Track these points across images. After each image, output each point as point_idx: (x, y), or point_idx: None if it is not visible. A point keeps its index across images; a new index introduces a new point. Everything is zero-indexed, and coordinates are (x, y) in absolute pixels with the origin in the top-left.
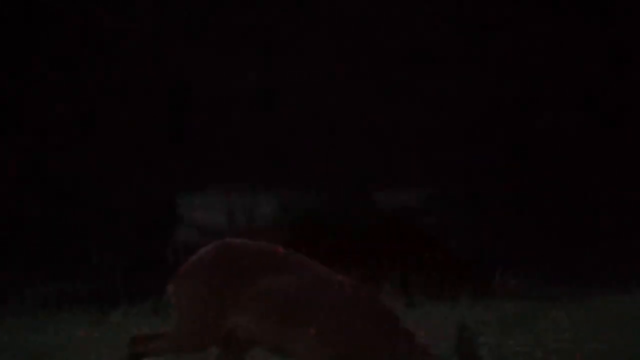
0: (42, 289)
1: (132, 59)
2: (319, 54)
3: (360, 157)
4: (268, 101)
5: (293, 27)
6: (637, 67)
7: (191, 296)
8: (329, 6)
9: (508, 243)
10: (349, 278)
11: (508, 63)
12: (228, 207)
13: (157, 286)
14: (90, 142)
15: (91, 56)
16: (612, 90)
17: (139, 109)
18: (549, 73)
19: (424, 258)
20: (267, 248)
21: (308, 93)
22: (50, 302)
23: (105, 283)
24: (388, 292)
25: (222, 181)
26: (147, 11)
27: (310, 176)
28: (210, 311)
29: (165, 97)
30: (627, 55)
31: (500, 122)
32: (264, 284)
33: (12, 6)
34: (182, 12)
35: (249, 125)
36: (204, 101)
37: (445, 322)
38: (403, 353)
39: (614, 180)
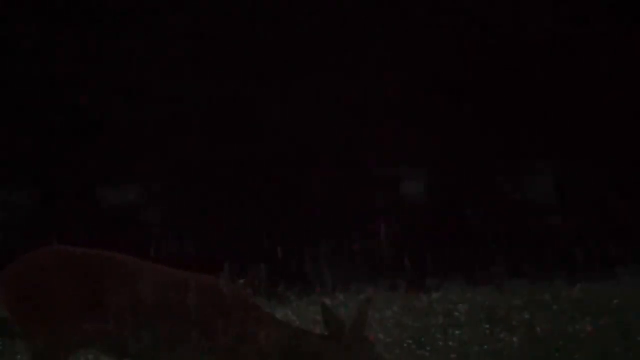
0: None
1: None
2: None
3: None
4: None
5: None
6: None
7: (27, 305)
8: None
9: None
10: (197, 275)
11: None
12: None
13: None
14: None
15: None
16: None
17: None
18: None
19: None
20: (100, 254)
21: None
22: None
23: None
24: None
25: None
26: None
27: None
28: (52, 318)
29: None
30: None
31: None
32: (143, 293)
33: None
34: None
35: None
36: None
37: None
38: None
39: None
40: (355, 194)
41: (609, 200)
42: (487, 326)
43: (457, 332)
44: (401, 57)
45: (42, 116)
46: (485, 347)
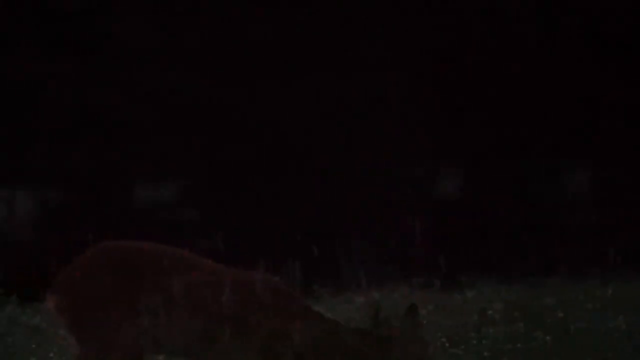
0: None
1: None
2: None
3: None
4: None
5: None
6: None
7: (86, 310)
8: None
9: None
10: (247, 272)
11: None
12: None
13: None
14: None
15: None
16: None
17: None
18: None
19: None
20: (154, 248)
21: None
22: None
23: None
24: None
25: None
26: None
27: None
28: (113, 322)
29: None
30: None
31: None
32: (166, 285)
33: None
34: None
35: None
36: None
37: None
38: (333, 344)
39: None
40: (390, 192)
41: None
42: (521, 324)
43: (491, 331)
44: (424, 56)
45: (70, 116)
46: (519, 345)
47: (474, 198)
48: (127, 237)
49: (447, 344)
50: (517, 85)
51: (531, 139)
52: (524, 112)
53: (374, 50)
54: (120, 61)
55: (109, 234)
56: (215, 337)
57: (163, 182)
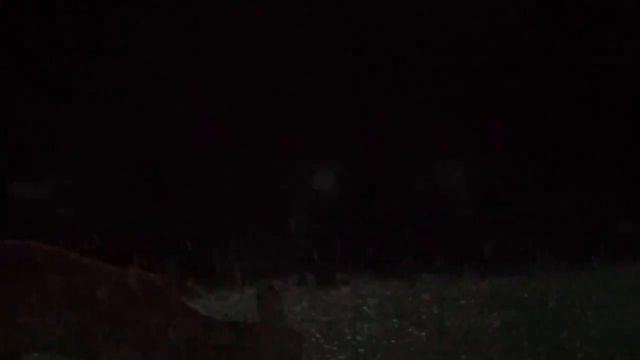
0: None
1: None
2: None
3: None
4: None
5: None
6: None
7: None
8: None
9: None
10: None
11: None
12: None
13: None
14: None
15: None
16: None
17: None
18: None
19: None
20: (29, 246)
21: None
22: None
23: None
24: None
25: None
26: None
27: None
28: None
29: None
30: None
31: None
32: (42, 282)
33: None
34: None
35: None
36: None
37: None
38: (211, 339)
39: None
40: (264, 187)
41: (519, 194)
42: (396, 320)
43: (366, 326)
44: (311, 49)
45: None
46: (394, 341)
47: (349, 194)
48: (2, 236)
49: (321, 340)
50: (397, 83)
51: (407, 134)
52: (399, 109)
53: (270, 44)
54: None
55: None
56: (92, 334)
57: (39, 179)
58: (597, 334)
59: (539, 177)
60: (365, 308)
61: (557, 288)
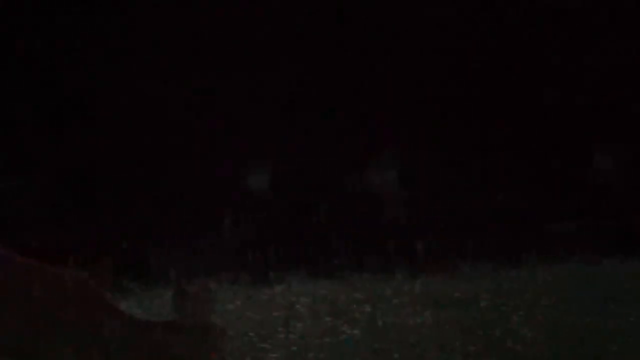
0: None
1: None
2: None
3: None
4: None
5: None
6: None
7: None
8: None
9: None
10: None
11: None
12: None
13: None
14: None
15: None
16: None
17: None
18: None
19: None
20: None
21: None
22: None
23: None
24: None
25: None
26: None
27: None
28: None
29: None
30: None
31: None
32: None
33: None
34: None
35: None
36: None
37: None
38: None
39: None
40: (199, 186)
41: (450, 193)
42: (329, 319)
43: (299, 325)
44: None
45: None
46: (327, 339)
47: (282, 194)
48: None
49: (255, 339)
50: (328, 83)
51: (338, 134)
52: (331, 108)
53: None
54: None
55: None
56: (25, 335)
57: None
58: (528, 333)
59: (469, 176)
60: (298, 307)
61: (489, 287)
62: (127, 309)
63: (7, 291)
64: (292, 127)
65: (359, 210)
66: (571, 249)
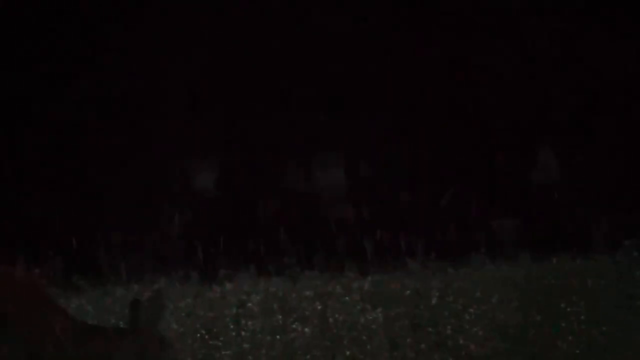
0: None
1: None
2: None
3: None
4: None
5: None
6: None
7: None
8: None
9: None
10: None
11: None
12: None
13: None
14: None
15: None
16: None
17: None
18: None
19: None
20: None
21: None
22: None
23: None
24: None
25: None
26: None
27: None
28: None
29: None
30: None
31: None
32: None
33: None
34: None
35: None
36: None
37: None
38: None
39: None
40: (148, 184)
41: (399, 190)
42: (280, 316)
43: (250, 323)
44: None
45: None
46: (278, 337)
47: (231, 191)
48: None
49: (206, 336)
50: (280, 78)
51: (287, 131)
52: (279, 105)
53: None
54: None
55: None
56: None
57: None
58: (479, 330)
59: (419, 174)
60: (249, 304)
61: (439, 285)
62: (78, 307)
63: None
64: (237, 124)
65: (307, 208)
66: (519, 246)
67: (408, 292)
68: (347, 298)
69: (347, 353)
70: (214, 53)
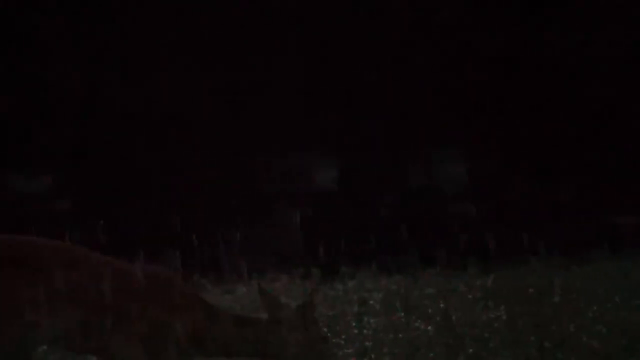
0: None
1: None
2: None
3: None
4: None
5: None
6: None
7: None
8: None
9: None
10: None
11: None
12: None
13: None
14: None
15: None
16: None
17: None
18: None
19: None
20: (33, 240)
21: None
22: None
23: None
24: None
25: None
26: None
27: None
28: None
29: None
30: None
31: None
32: (47, 277)
33: None
34: None
35: None
36: None
37: None
38: (215, 332)
39: None
40: (269, 182)
41: (521, 188)
42: (402, 314)
43: (372, 320)
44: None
45: None
46: (400, 335)
47: (352, 189)
48: (2, 230)
49: (328, 334)
50: (394, 79)
51: (409, 129)
52: (398, 104)
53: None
54: None
55: None
56: (97, 328)
57: (37, 173)
58: (603, 329)
59: (541, 171)
60: (371, 302)
61: (561, 282)
62: None
63: (78, 286)
64: (359, 122)
65: (429, 205)
66: None
67: (531, 290)
68: (469, 296)
69: (470, 351)
70: (332, 52)
